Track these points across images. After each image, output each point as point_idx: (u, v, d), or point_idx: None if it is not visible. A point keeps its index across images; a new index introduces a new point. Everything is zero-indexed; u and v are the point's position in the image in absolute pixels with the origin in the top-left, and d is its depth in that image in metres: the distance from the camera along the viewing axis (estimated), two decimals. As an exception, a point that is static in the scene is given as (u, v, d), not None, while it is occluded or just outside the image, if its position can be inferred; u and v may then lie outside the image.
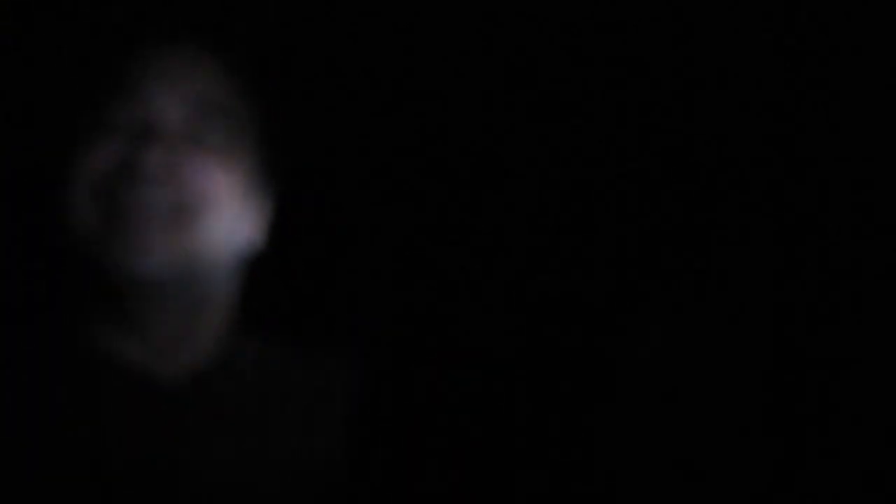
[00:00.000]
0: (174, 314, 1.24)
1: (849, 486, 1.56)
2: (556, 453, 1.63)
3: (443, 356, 1.70)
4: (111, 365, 1.24)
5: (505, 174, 1.72)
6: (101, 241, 1.19)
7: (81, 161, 1.20)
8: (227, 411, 1.28)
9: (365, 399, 1.37)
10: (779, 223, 1.64)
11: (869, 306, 1.60)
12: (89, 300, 1.25)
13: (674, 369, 1.62)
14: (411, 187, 1.74)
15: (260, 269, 1.35)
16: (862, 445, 1.57)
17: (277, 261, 1.49)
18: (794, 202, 1.64)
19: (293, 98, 1.49)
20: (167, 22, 1.27)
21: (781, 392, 1.61)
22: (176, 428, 1.24)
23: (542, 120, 1.71)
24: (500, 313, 1.72)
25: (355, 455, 1.35)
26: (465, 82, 1.73)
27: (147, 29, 1.26)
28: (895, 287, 1.60)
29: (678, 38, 1.68)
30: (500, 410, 1.66)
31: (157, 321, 1.23)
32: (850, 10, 1.64)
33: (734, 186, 1.66)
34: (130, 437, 1.22)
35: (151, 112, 1.20)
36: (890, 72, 1.64)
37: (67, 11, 1.35)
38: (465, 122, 1.73)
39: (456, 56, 1.72)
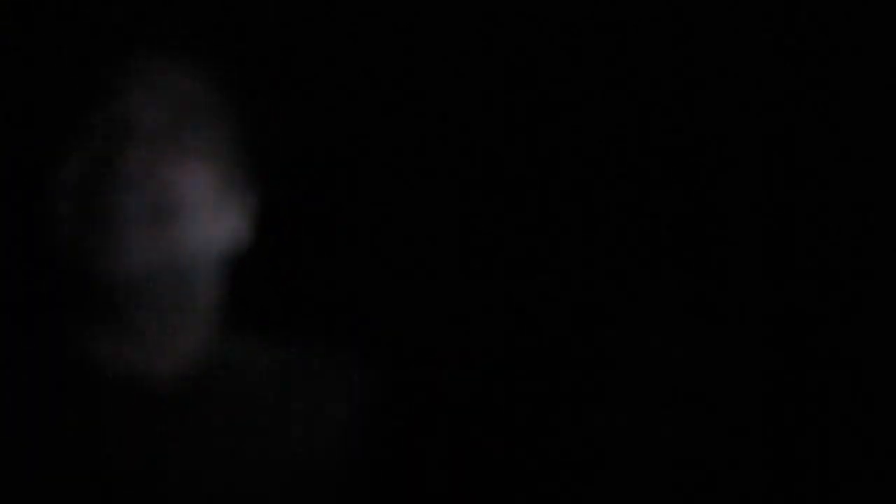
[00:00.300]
0: (160, 314, 1.23)
1: (849, 485, 1.57)
2: (557, 453, 1.63)
3: (444, 356, 1.70)
4: (101, 368, 1.24)
5: (505, 172, 1.72)
6: (82, 243, 1.18)
7: (60, 162, 1.20)
8: (222, 412, 1.27)
9: (366, 400, 1.37)
10: (780, 222, 1.64)
11: (871, 306, 1.60)
12: (76, 303, 1.25)
13: (675, 368, 1.63)
14: (409, 184, 1.73)
15: (260, 267, 1.34)
16: (863, 446, 1.57)
17: (278, 259, 1.49)
18: (796, 201, 1.64)
19: (281, 96, 1.48)
20: (146, 21, 1.26)
21: (782, 392, 1.61)
22: (169, 430, 1.24)
23: (541, 118, 1.71)
24: (499, 313, 1.72)
25: (358, 456, 1.35)
26: (458, 79, 1.73)
27: (126, 28, 1.25)
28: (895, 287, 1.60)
29: (670, 30, 1.68)
30: (500, 411, 1.66)
31: (144, 322, 1.23)
32: (850, 11, 1.64)
33: (734, 184, 1.66)
34: (124, 441, 1.22)
35: (130, 112, 1.20)
36: (890, 72, 1.65)
37: (45, 9, 1.34)
38: (462, 120, 1.73)
39: (443, 54, 1.72)
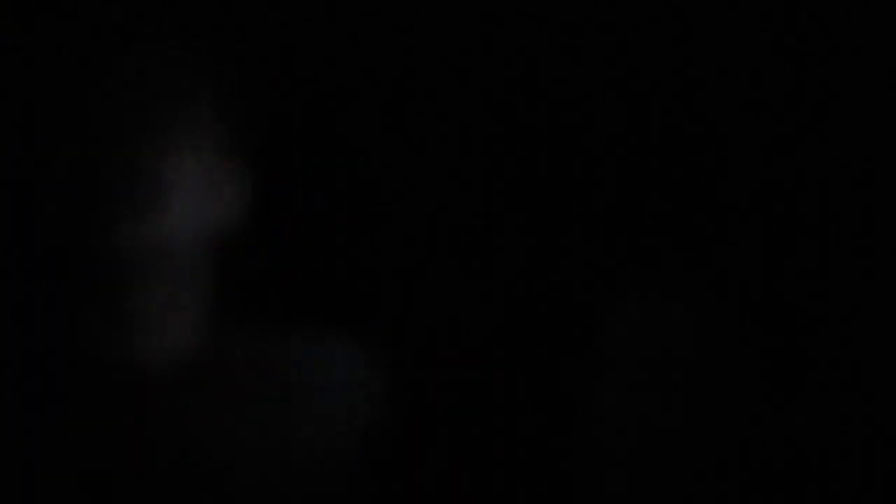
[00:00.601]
0: (149, 299, 1.24)
1: (838, 479, 1.56)
2: (538, 444, 1.63)
3: (446, 350, 1.70)
4: (95, 359, 1.25)
5: (488, 163, 1.72)
6: (71, 230, 1.19)
7: (46, 150, 1.20)
8: (220, 402, 1.28)
9: (371, 393, 1.37)
10: (761, 208, 1.64)
11: (848, 289, 1.60)
12: (65, 293, 1.25)
13: (651, 353, 1.63)
14: (414, 176, 1.73)
15: (263, 256, 1.34)
16: (848, 435, 1.57)
17: (282, 249, 1.49)
18: (776, 187, 1.64)
19: (278, 79, 1.49)
20: (131, 7, 1.27)
21: (764, 380, 1.61)
22: (164, 419, 1.24)
23: (519, 107, 1.71)
24: (501, 308, 1.71)
25: (356, 449, 1.35)
26: (449, 70, 1.73)
27: (112, 14, 1.26)
28: (872, 272, 1.60)
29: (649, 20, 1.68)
30: (500, 405, 1.66)
31: (135, 307, 1.23)
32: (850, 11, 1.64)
33: (714, 171, 1.66)
34: (118, 432, 1.22)
35: (115, 96, 1.20)
36: (890, 72, 1.64)
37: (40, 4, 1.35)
38: (451, 111, 1.73)
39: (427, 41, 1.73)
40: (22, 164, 1.22)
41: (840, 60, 1.65)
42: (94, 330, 1.25)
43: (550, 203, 1.70)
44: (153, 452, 1.23)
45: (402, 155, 1.71)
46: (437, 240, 1.72)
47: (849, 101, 1.65)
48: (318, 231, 1.71)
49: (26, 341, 1.25)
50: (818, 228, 1.63)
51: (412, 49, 1.70)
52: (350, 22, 1.70)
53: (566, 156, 1.69)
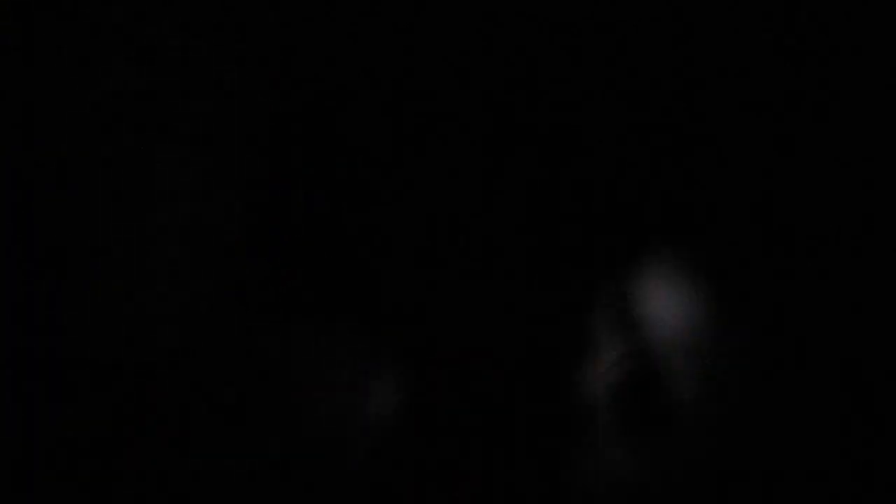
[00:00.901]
0: (150, 297, 1.24)
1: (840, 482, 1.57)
2: (539, 443, 1.63)
3: (446, 349, 1.70)
4: (94, 358, 1.25)
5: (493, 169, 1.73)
6: (70, 230, 1.19)
7: (45, 150, 1.21)
8: (220, 399, 1.28)
9: (374, 391, 1.38)
10: (762, 212, 1.65)
11: (849, 294, 1.61)
12: (66, 293, 1.26)
13: (657, 356, 1.63)
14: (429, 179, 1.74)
15: (270, 253, 1.35)
16: (849, 435, 1.57)
17: (289, 246, 1.49)
18: (779, 194, 1.65)
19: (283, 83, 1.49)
20: (131, 7, 1.27)
21: (765, 379, 1.61)
22: (163, 418, 1.25)
23: (520, 107, 1.71)
24: (512, 313, 1.72)
25: (360, 449, 1.35)
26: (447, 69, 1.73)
27: (112, 14, 1.26)
28: (871, 273, 1.60)
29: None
30: (497, 402, 1.66)
31: (136, 305, 1.24)
32: (850, 11, 1.64)
33: (714, 175, 1.67)
34: (118, 430, 1.22)
35: (119, 99, 1.21)
36: (890, 72, 1.64)
37: (44, 9, 1.35)
38: (452, 113, 1.74)
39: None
40: (21, 164, 1.22)
41: (837, 61, 1.66)
42: (94, 328, 1.25)
43: (550, 203, 1.70)
44: (153, 451, 1.23)
45: (404, 153, 1.72)
46: (438, 238, 1.73)
47: (847, 100, 1.65)
48: (322, 229, 1.71)
49: (26, 341, 1.26)
50: (816, 231, 1.63)
51: (412, 49, 1.71)
52: (350, 22, 1.70)
53: (566, 157, 1.70)
